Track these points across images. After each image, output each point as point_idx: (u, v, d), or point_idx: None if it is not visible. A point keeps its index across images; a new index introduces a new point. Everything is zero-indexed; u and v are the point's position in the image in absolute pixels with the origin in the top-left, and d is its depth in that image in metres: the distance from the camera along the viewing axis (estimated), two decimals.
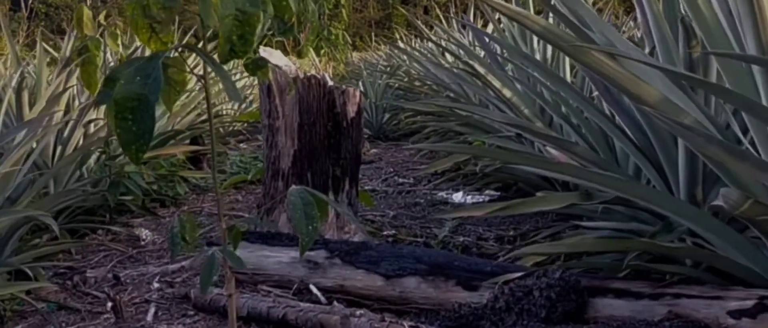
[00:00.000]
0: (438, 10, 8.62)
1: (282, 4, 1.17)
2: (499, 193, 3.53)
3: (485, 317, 1.79)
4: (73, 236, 2.99)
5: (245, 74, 5.84)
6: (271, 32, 1.20)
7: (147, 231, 3.10)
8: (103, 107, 2.78)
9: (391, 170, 4.70)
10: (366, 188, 3.91)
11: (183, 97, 4.31)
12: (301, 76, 2.61)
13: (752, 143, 1.76)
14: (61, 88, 3.17)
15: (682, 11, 2.09)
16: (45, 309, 2.22)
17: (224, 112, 6.13)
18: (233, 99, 1.08)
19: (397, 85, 6.67)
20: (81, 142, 3.31)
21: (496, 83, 3.20)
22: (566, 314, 1.75)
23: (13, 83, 3.20)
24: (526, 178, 3.16)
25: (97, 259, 2.79)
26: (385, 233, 2.96)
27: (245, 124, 6.04)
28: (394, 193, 3.89)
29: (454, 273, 2.01)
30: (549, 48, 3.55)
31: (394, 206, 3.51)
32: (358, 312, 1.89)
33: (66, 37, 4.25)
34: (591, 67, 1.80)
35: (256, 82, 4.85)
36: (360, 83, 6.82)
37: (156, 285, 2.39)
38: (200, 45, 1.18)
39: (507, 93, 3.17)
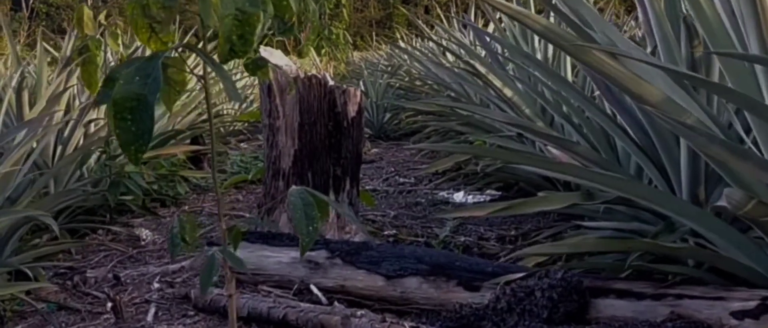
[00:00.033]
0: (439, 10, 8.62)
1: (282, 4, 1.17)
2: (500, 192, 3.52)
3: (487, 318, 1.78)
4: (73, 236, 2.99)
5: (246, 74, 5.84)
6: (271, 32, 1.19)
7: (147, 231, 3.10)
8: (103, 107, 2.78)
9: (392, 169, 4.69)
10: (367, 187, 3.90)
11: (183, 97, 4.30)
12: (302, 75, 2.60)
13: (755, 143, 1.75)
14: (61, 88, 3.17)
15: (684, 11, 2.08)
16: (45, 309, 2.21)
17: (225, 112, 6.12)
18: (233, 99, 1.07)
19: (398, 84, 6.67)
20: (81, 142, 3.30)
21: (497, 83, 3.19)
22: (568, 314, 1.75)
23: (14, 83, 3.20)
24: (527, 177, 3.15)
25: (97, 259, 2.78)
26: (386, 232, 2.96)
27: (246, 124, 6.04)
28: (395, 192, 3.88)
29: (456, 273, 2.00)
30: (550, 47, 3.54)
31: (395, 206, 3.51)
32: (359, 313, 1.88)
33: (66, 37, 4.25)
34: (593, 66, 1.79)
35: (256, 81, 4.85)
36: (361, 83, 6.82)
37: (156, 285, 2.38)
38: (200, 45, 1.17)
39: (508, 92, 3.17)
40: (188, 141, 4.18)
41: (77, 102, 3.51)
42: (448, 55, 5.53)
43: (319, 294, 2.14)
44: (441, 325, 1.85)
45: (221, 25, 1.00)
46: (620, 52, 1.84)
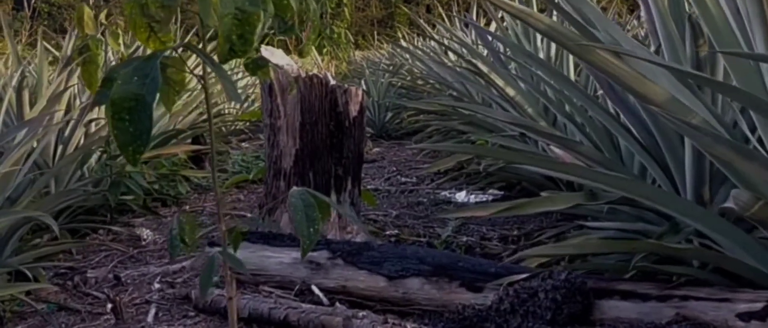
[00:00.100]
0: (440, 9, 8.60)
1: (283, 3, 1.15)
2: (502, 192, 3.51)
3: (490, 319, 1.77)
4: (73, 236, 2.98)
5: (247, 73, 5.82)
6: (272, 31, 1.18)
7: (148, 231, 3.09)
8: (104, 106, 2.76)
9: (394, 169, 4.68)
10: (369, 187, 3.89)
11: (184, 97, 4.29)
12: (303, 75, 2.59)
13: (760, 142, 1.73)
14: (62, 88, 3.16)
15: (688, 9, 2.07)
16: (45, 310, 2.20)
17: (226, 111, 6.11)
18: (233, 100, 1.06)
19: (399, 83, 6.65)
20: (82, 141, 3.29)
21: (500, 82, 3.18)
22: (572, 316, 1.73)
23: (14, 82, 3.19)
24: (530, 177, 3.13)
25: (97, 259, 2.77)
26: (387, 232, 2.94)
27: (247, 123, 6.03)
28: (397, 192, 3.87)
29: (458, 274, 1.98)
30: (553, 46, 3.53)
31: (397, 206, 3.49)
32: (360, 314, 1.87)
33: (67, 36, 4.24)
34: (596, 65, 1.78)
35: (258, 80, 4.83)
36: (362, 82, 6.80)
37: (157, 286, 2.37)
38: (200, 45, 1.16)
39: (510, 92, 3.15)
40: (189, 140, 4.17)
41: (78, 101, 3.50)
42: (450, 54, 5.52)
43: (321, 295, 2.12)
44: (443, 326, 1.84)
45: (221, 24, 0.98)
46: (624, 51, 1.82)
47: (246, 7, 0.98)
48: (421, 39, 8.25)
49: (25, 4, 13.31)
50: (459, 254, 2.47)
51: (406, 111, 6.18)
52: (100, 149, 3.22)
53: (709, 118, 1.77)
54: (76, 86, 3.44)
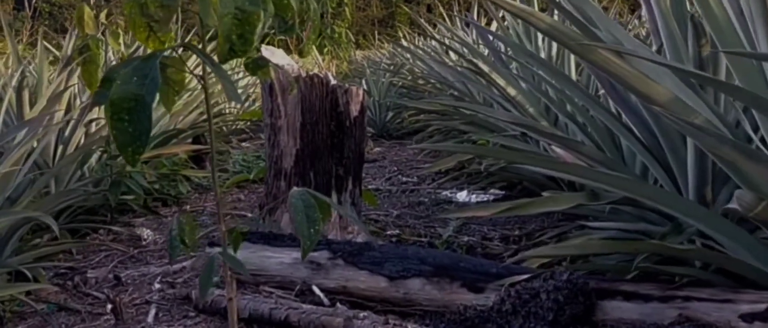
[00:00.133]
0: (441, 8, 8.59)
1: (283, 3, 1.15)
2: (503, 192, 3.50)
3: (491, 320, 1.76)
4: (74, 236, 2.97)
5: (247, 73, 5.81)
6: (273, 31, 1.17)
7: (148, 231, 3.08)
8: (104, 106, 2.76)
9: (395, 168, 4.67)
10: (369, 186, 3.88)
11: (185, 96, 4.29)
12: (304, 74, 2.58)
13: (763, 141, 1.73)
14: (62, 87, 3.15)
15: (690, 9, 2.06)
16: (45, 310, 2.19)
17: (227, 111, 6.10)
18: (233, 100, 1.05)
19: (400, 83, 6.65)
20: (82, 141, 3.29)
21: (501, 82, 3.17)
22: (574, 317, 1.72)
23: (14, 82, 3.18)
24: (531, 177, 3.12)
25: (98, 259, 2.77)
26: (388, 232, 2.94)
27: (248, 123, 6.02)
28: (398, 192, 3.86)
29: (460, 275, 1.98)
30: (554, 46, 3.52)
31: (398, 205, 3.49)
32: (361, 314, 1.86)
33: (67, 36, 4.24)
34: (598, 65, 1.77)
35: (258, 80, 4.82)
36: (363, 82, 6.79)
37: (157, 286, 2.36)
38: (200, 44, 1.15)
39: (511, 91, 3.14)
40: (190, 140, 4.16)
41: (78, 101, 3.50)
42: (451, 53, 5.50)
43: (321, 295, 2.12)
44: (445, 327, 1.83)
45: (220, 24, 0.98)
46: (627, 50, 1.81)
47: (246, 7, 0.98)
48: (422, 38, 8.24)
49: (26, 4, 13.31)
50: (460, 255, 2.46)
51: (407, 111, 6.17)
52: (101, 149, 3.21)
53: (712, 118, 1.76)
54: (76, 86, 3.43)
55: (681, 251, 1.80)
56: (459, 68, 4.27)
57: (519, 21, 3.80)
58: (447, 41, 5.57)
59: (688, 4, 2.12)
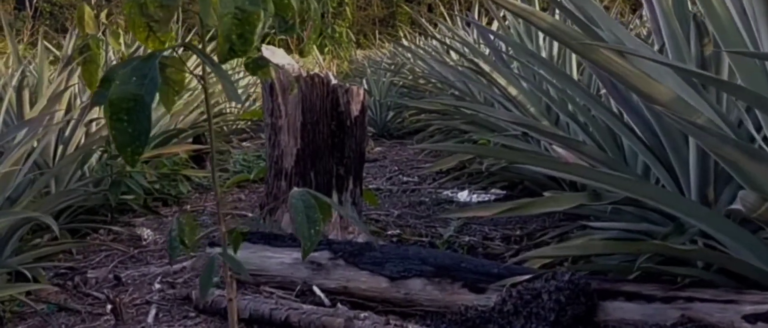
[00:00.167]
0: (442, 8, 8.58)
1: (283, 3, 1.14)
2: (504, 192, 3.49)
3: (493, 321, 1.75)
4: (74, 236, 2.97)
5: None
6: (273, 31, 1.16)
7: (149, 231, 3.07)
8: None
9: (396, 168, 4.66)
10: (370, 186, 3.87)
11: (186, 96, 4.28)
12: (304, 74, 2.57)
13: (765, 141, 1.72)
14: (62, 87, 3.14)
15: (691, 8, 2.05)
16: (45, 311, 2.19)
17: (228, 111, 6.10)
18: (233, 100, 1.04)
19: (401, 83, 6.64)
20: (82, 141, 3.28)
21: (502, 81, 3.16)
22: (576, 317, 1.72)
23: (14, 82, 3.18)
24: (532, 177, 3.12)
25: (98, 259, 2.76)
26: (389, 232, 2.93)
27: (249, 122, 6.01)
28: (399, 191, 3.85)
29: (461, 275, 1.97)
30: (555, 45, 3.51)
31: (399, 205, 3.48)
32: (362, 315, 1.86)
33: (68, 36, 4.23)
34: (600, 65, 1.76)
35: (259, 79, 4.82)
36: (364, 81, 6.79)
37: (157, 286, 2.36)
38: (200, 44, 1.15)
39: (512, 91, 3.13)
40: (190, 140, 4.16)
41: (78, 101, 3.49)
42: (452, 53, 5.50)
43: (322, 296, 2.11)
44: None
45: (220, 24, 0.97)
46: (629, 50, 1.80)
47: (246, 7, 0.97)
48: (422, 38, 8.24)
49: (27, 4, 13.30)
50: (461, 255, 2.45)
51: (408, 110, 6.16)
52: (101, 149, 3.21)
53: (714, 117, 1.75)
54: (76, 86, 3.43)
55: (683, 252, 1.79)
56: (460, 68, 4.27)
57: (520, 20, 3.79)
58: (448, 41, 5.56)
59: (689, 3, 2.11)
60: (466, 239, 2.77)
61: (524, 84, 3.15)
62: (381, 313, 1.96)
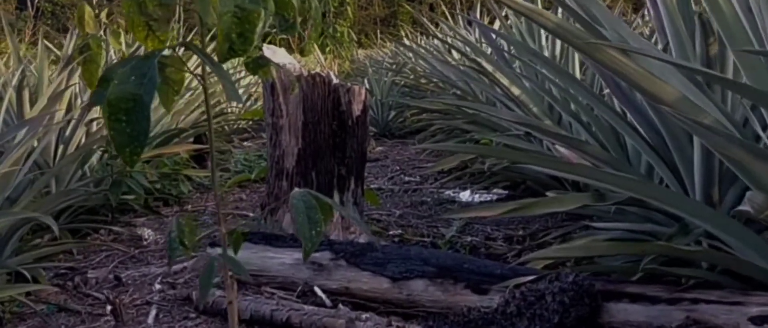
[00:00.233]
0: (444, 7, 8.56)
1: (284, 1, 1.13)
2: (507, 191, 3.48)
3: (495, 322, 1.74)
4: (74, 236, 2.95)
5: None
6: (274, 30, 1.15)
7: (149, 231, 3.06)
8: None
9: (397, 168, 4.65)
10: (372, 186, 3.86)
11: (186, 95, 4.27)
12: (306, 74, 2.56)
13: None
14: (62, 87, 3.13)
15: (695, 7, 2.03)
16: (45, 311, 2.18)
17: (229, 110, 6.09)
18: (233, 100, 1.03)
19: (402, 82, 6.62)
20: (83, 140, 3.27)
21: (504, 81, 3.14)
22: (579, 319, 1.70)
23: (14, 81, 3.16)
24: (535, 176, 3.10)
25: (98, 259, 2.75)
26: (391, 232, 2.92)
27: (250, 122, 6.00)
28: (401, 191, 3.84)
29: (463, 276, 1.95)
30: (558, 44, 3.49)
31: (401, 205, 3.46)
32: (363, 316, 1.84)
33: (68, 35, 4.22)
34: (604, 64, 1.74)
35: (260, 79, 4.80)
36: (365, 81, 6.77)
37: (158, 286, 2.34)
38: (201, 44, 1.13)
39: (515, 90, 3.12)
40: (192, 139, 4.14)
41: (79, 101, 3.48)
42: (454, 52, 5.48)
43: (323, 296, 2.10)
44: None
45: (220, 22, 0.96)
46: (634, 49, 1.79)
47: (246, 5, 0.95)
48: (424, 37, 8.22)
49: (29, 4, 13.30)
50: (464, 255, 2.44)
51: (410, 110, 6.15)
52: (102, 149, 3.20)
53: (720, 116, 1.73)
54: (77, 85, 3.42)
55: (688, 253, 1.77)
56: (462, 67, 4.25)
57: (522, 19, 3.77)
58: (449, 40, 5.54)
59: (693, 1, 2.09)
60: (469, 239, 2.75)
61: (526, 83, 3.13)
62: (383, 314, 1.95)
